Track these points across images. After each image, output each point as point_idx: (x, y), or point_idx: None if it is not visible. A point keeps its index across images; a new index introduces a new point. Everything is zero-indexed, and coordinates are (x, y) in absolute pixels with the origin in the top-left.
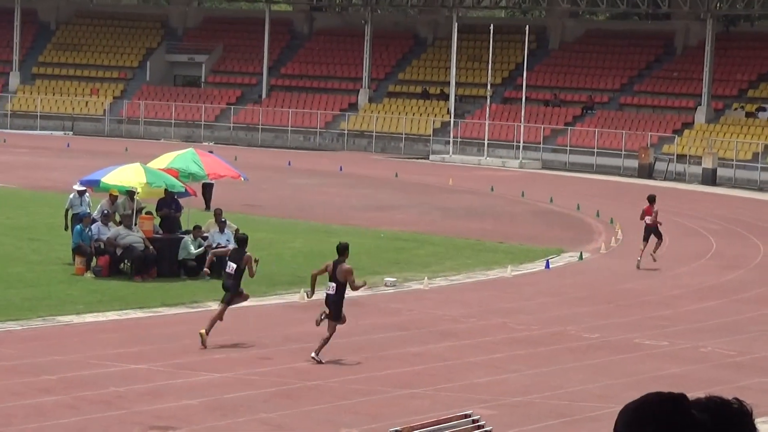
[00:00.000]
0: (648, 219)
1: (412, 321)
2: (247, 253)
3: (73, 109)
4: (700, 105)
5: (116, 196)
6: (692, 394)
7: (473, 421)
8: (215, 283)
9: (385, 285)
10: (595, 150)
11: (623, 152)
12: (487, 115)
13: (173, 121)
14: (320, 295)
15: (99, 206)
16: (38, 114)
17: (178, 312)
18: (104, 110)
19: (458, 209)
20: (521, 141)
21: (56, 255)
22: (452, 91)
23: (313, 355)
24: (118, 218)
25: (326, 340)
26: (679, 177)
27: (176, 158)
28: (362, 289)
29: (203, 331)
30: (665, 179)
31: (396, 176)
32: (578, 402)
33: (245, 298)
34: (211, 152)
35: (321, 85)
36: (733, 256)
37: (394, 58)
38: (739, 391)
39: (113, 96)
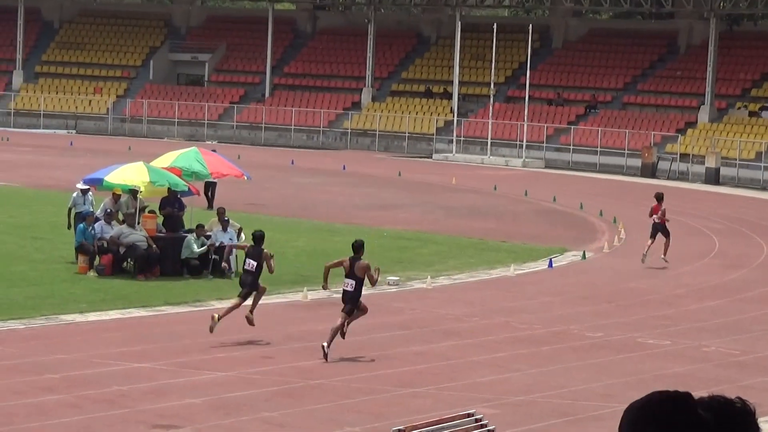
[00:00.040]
0: (656, 217)
1: (415, 320)
2: (265, 251)
3: (77, 107)
4: (704, 104)
5: (119, 195)
6: (695, 394)
7: (476, 420)
8: (218, 282)
9: (388, 284)
10: (599, 149)
11: (626, 151)
12: (490, 114)
13: (176, 120)
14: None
15: (102, 205)
16: (41, 113)
17: (181, 311)
18: (107, 109)
19: (461, 208)
20: (524, 140)
21: (59, 254)
22: (455, 90)
23: (324, 344)
24: (121, 217)
25: (338, 330)
26: (683, 176)
27: (179, 157)
28: (377, 279)
29: (216, 315)
30: (668, 178)
31: (399, 175)
32: (581, 401)
33: (263, 290)
34: (214, 151)
35: (324, 84)
36: (736, 255)
37: (397, 57)
38: (742, 390)
39: (116, 95)
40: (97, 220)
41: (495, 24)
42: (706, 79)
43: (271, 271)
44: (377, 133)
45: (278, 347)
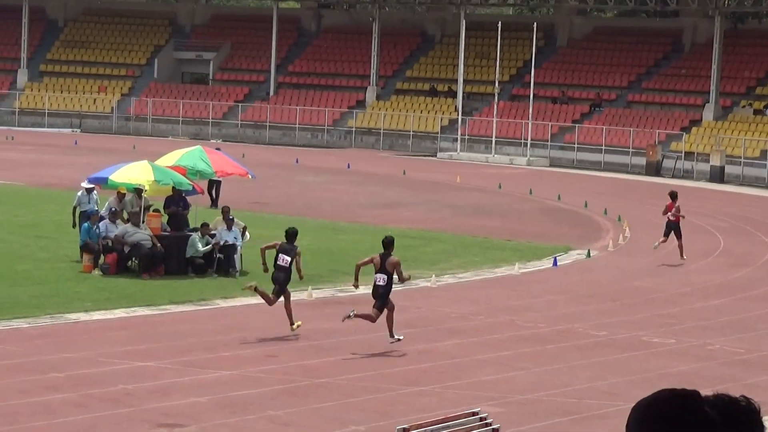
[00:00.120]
0: (670, 215)
1: (420, 318)
2: (298, 248)
3: (81, 106)
4: (708, 102)
5: (124, 194)
6: (700, 392)
7: (481, 419)
8: (223, 281)
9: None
10: (603, 147)
11: (631, 150)
12: (494, 113)
13: (181, 119)
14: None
15: (107, 204)
16: (46, 111)
17: (185, 309)
18: (112, 108)
19: (466, 207)
20: (529, 138)
21: (64, 252)
22: (460, 89)
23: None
24: (125, 216)
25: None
26: (687, 174)
27: (184, 156)
28: (407, 278)
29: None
30: (673, 177)
31: (404, 174)
32: (586, 399)
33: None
34: (218, 149)
35: (329, 82)
36: (740, 253)
37: (401, 55)
38: (746, 388)
39: (121, 93)
40: (101, 219)
41: (499, 22)
42: (711, 77)
43: (299, 269)
44: (382, 131)
45: (283, 346)
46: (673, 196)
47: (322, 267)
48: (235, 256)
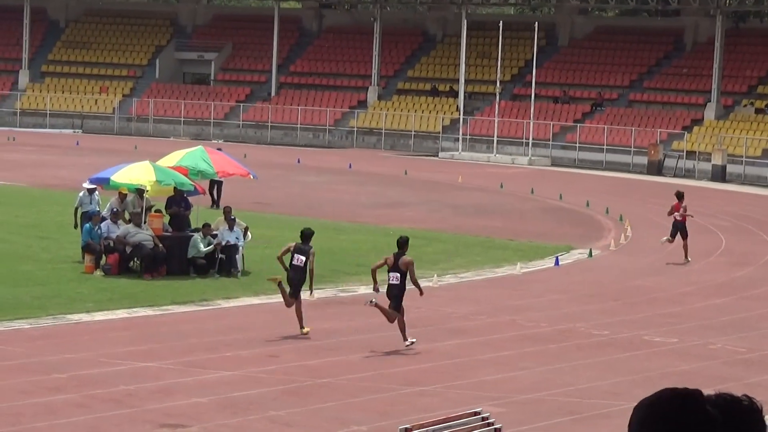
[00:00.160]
0: (677, 215)
1: (421, 318)
2: (311, 248)
3: (83, 107)
4: (710, 101)
5: (125, 194)
6: (702, 392)
7: (483, 419)
8: (225, 282)
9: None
10: (605, 147)
11: (632, 149)
12: (496, 112)
13: (182, 119)
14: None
15: (108, 204)
16: (47, 112)
17: (187, 310)
18: (113, 108)
19: (467, 206)
20: (530, 138)
21: (66, 253)
22: (461, 88)
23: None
24: (127, 216)
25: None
26: (689, 174)
27: (186, 156)
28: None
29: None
30: (675, 176)
31: (405, 173)
32: (588, 399)
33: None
34: (219, 150)
35: (330, 82)
36: (742, 253)
37: (403, 55)
38: (748, 388)
39: (122, 94)
40: (103, 219)
41: (501, 22)
42: (713, 76)
43: (310, 270)
44: (383, 131)
45: (284, 346)
46: (680, 196)
47: (323, 267)
48: (237, 256)
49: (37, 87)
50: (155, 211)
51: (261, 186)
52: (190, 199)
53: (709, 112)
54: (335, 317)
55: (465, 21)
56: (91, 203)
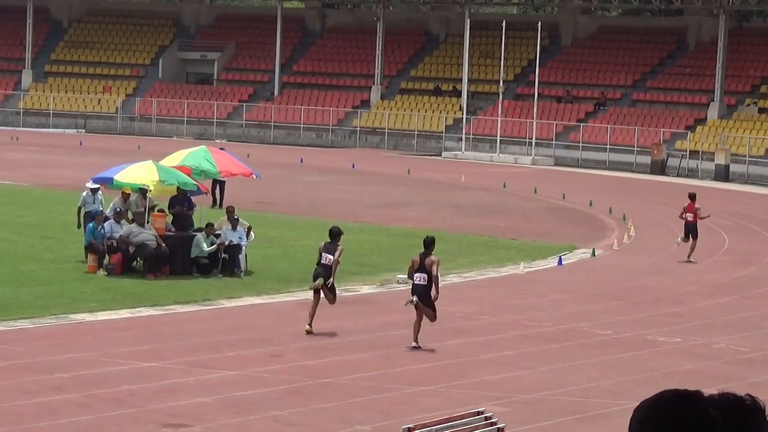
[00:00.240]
0: (689, 216)
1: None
2: (340, 246)
3: (86, 107)
4: (713, 101)
5: (129, 194)
6: (705, 391)
7: (486, 419)
8: (228, 281)
9: (397, 282)
10: (608, 146)
11: (636, 148)
12: (499, 112)
13: (185, 119)
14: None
15: (111, 204)
16: (51, 112)
17: (190, 310)
18: (116, 108)
19: (471, 206)
20: (533, 137)
21: (69, 253)
22: (464, 88)
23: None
24: (130, 216)
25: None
26: (692, 173)
27: (189, 156)
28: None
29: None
30: (678, 175)
31: (408, 173)
32: (591, 398)
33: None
34: (222, 149)
35: (333, 82)
36: (745, 252)
37: (406, 54)
38: (751, 387)
39: (126, 94)
40: (106, 219)
41: (504, 21)
42: (716, 75)
43: (334, 269)
44: (386, 131)
45: (287, 346)
46: (692, 197)
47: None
48: (240, 256)
49: (40, 87)
50: (158, 211)
51: (264, 186)
52: (193, 198)
53: (712, 112)
54: (338, 317)
55: (468, 20)
56: (94, 203)
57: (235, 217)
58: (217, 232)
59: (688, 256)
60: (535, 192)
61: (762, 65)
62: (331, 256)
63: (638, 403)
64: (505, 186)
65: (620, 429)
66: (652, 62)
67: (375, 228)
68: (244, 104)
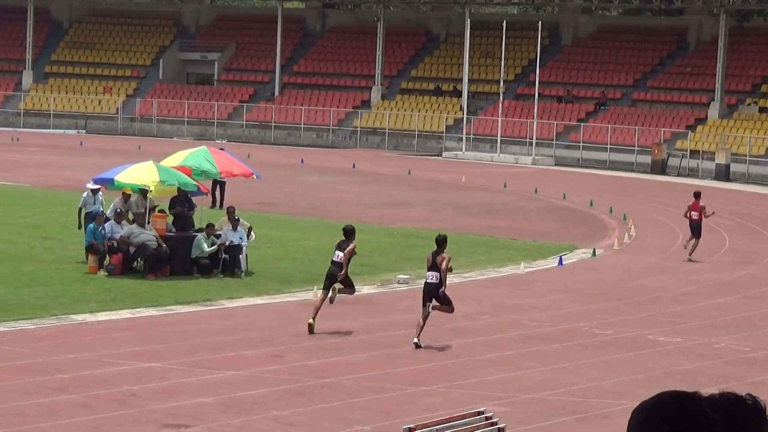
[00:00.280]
0: (694, 214)
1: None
2: (351, 245)
3: (86, 107)
4: (713, 100)
5: (129, 195)
6: (705, 391)
7: (486, 419)
8: (228, 282)
9: (398, 282)
10: (608, 146)
11: (636, 148)
12: (500, 112)
13: (186, 119)
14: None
15: (112, 205)
16: (51, 113)
17: (191, 310)
18: (117, 108)
19: (471, 206)
20: (534, 137)
21: (69, 254)
22: (465, 88)
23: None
24: (131, 216)
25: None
26: (692, 173)
27: (189, 156)
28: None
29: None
30: (678, 175)
31: (409, 173)
32: (591, 398)
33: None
34: (222, 149)
35: (334, 82)
36: (746, 252)
37: (406, 54)
38: (751, 387)
39: (126, 94)
40: (107, 219)
41: (504, 21)
42: (716, 75)
43: (345, 264)
44: (387, 131)
45: (288, 346)
46: (697, 195)
47: (326, 267)
48: (241, 256)
49: (41, 87)
50: (159, 212)
51: (264, 186)
52: (194, 199)
53: (713, 111)
54: (339, 317)
55: (468, 20)
56: (94, 203)
57: (236, 217)
58: (218, 232)
59: (690, 254)
60: (536, 192)
61: (762, 65)
62: (341, 254)
63: (638, 404)
64: (505, 186)
65: (621, 429)
66: (653, 62)
67: (375, 228)
68: (245, 105)
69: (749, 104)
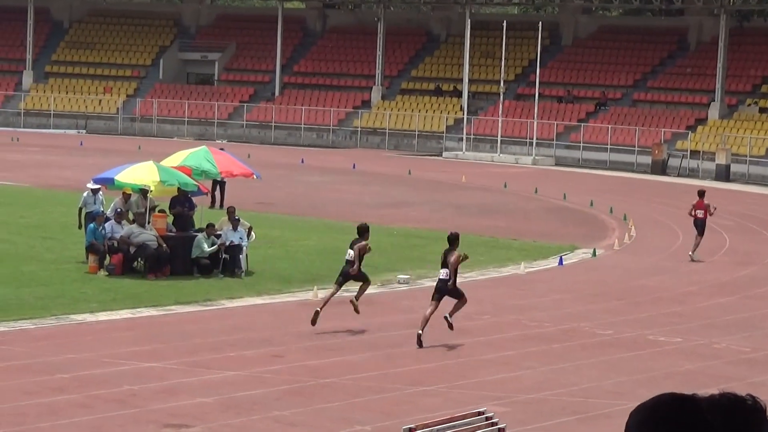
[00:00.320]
0: (700, 213)
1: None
2: (364, 243)
3: (87, 107)
4: (714, 101)
5: (129, 195)
6: (705, 391)
7: (486, 419)
8: (228, 282)
9: (398, 282)
10: (609, 146)
11: (636, 148)
12: (500, 112)
13: (186, 119)
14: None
15: (112, 204)
16: (51, 113)
17: (191, 310)
18: (117, 108)
19: (471, 206)
20: (534, 138)
21: (70, 253)
22: (465, 88)
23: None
24: (131, 216)
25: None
26: (693, 173)
27: (189, 156)
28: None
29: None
30: (678, 175)
31: (409, 173)
32: (592, 399)
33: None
34: (222, 149)
35: (334, 82)
36: (746, 252)
37: (407, 55)
38: (752, 387)
39: (126, 94)
40: (107, 219)
41: (505, 21)
42: (716, 75)
43: (359, 264)
44: (387, 131)
45: (288, 346)
46: (701, 193)
47: (327, 267)
48: (241, 256)
49: (41, 87)
50: (159, 211)
51: (264, 186)
52: (194, 199)
53: (713, 112)
54: (339, 317)
55: (469, 21)
56: (95, 203)
57: (236, 217)
58: (218, 232)
59: (691, 252)
60: (536, 192)
61: (763, 65)
62: (352, 252)
63: (635, 406)
64: (505, 186)
65: (621, 429)
66: (653, 62)
67: (376, 228)
68: (245, 105)
69: (749, 104)
